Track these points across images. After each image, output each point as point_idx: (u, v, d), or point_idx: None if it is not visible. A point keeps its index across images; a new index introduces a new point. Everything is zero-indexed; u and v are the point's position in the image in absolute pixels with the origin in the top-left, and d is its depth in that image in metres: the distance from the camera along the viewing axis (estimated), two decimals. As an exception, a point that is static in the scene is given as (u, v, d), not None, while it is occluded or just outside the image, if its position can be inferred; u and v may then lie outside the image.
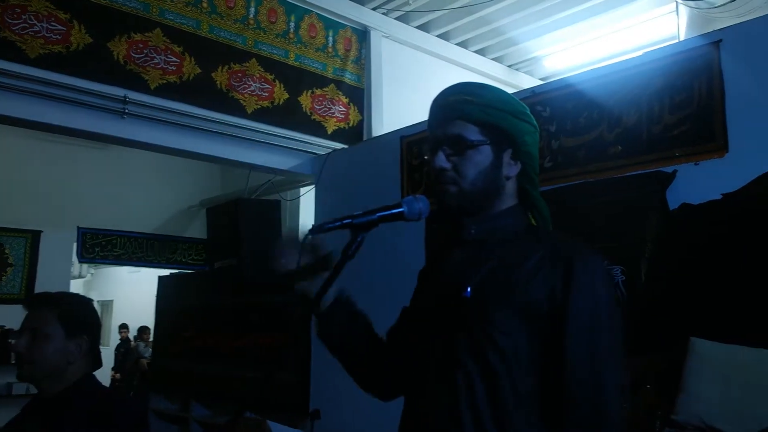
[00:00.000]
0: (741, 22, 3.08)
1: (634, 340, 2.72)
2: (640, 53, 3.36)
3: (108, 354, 9.51)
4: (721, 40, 2.91)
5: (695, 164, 2.92)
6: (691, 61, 3.00)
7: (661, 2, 5.39)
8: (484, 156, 1.28)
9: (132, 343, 9.94)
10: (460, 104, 1.29)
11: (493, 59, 6.79)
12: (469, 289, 1.24)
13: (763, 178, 2.66)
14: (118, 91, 4.21)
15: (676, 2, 4.46)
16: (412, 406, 1.32)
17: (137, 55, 4.27)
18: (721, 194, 2.76)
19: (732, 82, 2.85)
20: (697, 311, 2.71)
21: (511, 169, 1.31)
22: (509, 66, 6.95)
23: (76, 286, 12.60)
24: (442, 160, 1.29)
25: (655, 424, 2.57)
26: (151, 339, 9.01)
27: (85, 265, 11.38)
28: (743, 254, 2.63)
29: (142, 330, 9.48)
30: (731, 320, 2.60)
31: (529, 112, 1.35)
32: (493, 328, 1.19)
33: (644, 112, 3.14)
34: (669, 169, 2.98)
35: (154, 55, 4.35)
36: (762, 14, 3.14)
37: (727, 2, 3.78)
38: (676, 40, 4.43)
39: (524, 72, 7.04)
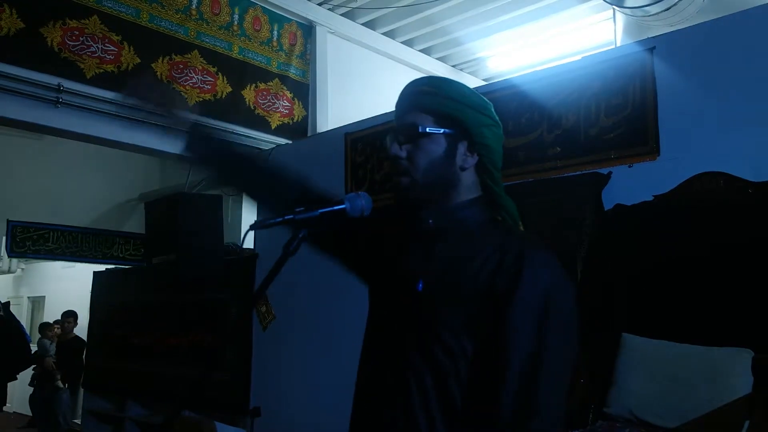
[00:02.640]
0: (673, 31, 3.21)
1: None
2: (579, 57, 3.45)
3: (39, 352, 9.14)
4: (654, 47, 3.02)
5: (629, 166, 3.03)
6: (626, 66, 3.10)
7: (599, 9, 5.55)
8: (436, 145, 1.28)
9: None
10: (417, 95, 1.30)
11: (437, 59, 6.86)
12: (420, 284, 1.24)
13: (691, 181, 2.79)
14: (52, 80, 4.05)
15: (613, 10, 4.60)
16: (366, 403, 1.31)
17: (72, 43, 4.12)
18: (653, 196, 2.87)
19: (664, 88, 2.97)
20: (628, 308, 2.81)
21: (466, 160, 1.30)
22: (453, 66, 7.04)
23: (5, 282, 12.09)
24: (396, 148, 1.29)
25: (588, 417, 2.65)
26: (55, 333, 8.58)
27: (15, 260, 10.90)
28: (672, 253, 2.74)
29: (45, 326, 8.93)
30: (660, 317, 2.71)
31: (490, 107, 1.34)
32: (440, 324, 1.19)
33: (582, 114, 3.23)
34: (604, 171, 3.08)
35: (91, 43, 4.20)
36: (693, 23, 3.27)
37: (661, 11, 3.92)
38: (613, 46, 4.58)
39: (468, 72, 7.14)
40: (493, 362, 1.14)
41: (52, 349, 8.36)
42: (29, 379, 8.37)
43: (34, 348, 8.54)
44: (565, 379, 1.16)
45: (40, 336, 8.88)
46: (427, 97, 1.29)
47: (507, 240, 1.23)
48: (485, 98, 1.35)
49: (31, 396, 8.51)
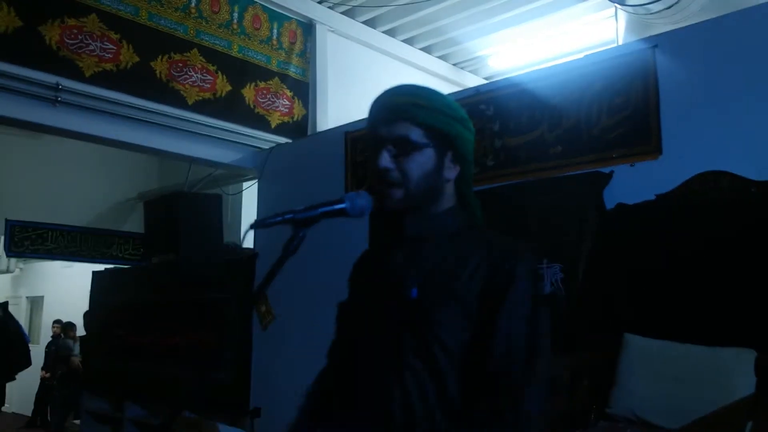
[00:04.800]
0: (676, 29, 3.19)
1: (572, 336, 2.79)
2: (581, 56, 3.44)
3: (38, 352, 9.13)
4: (657, 46, 3.01)
5: (631, 165, 3.01)
6: (628, 64, 3.09)
7: (602, 7, 5.54)
8: (427, 158, 1.30)
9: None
10: (407, 106, 1.30)
11: (438, 57, 6.84)
12: (415, 290, 1.25)
13: (693, 180, 2.77)
14: (51, 78, 4.04)
15: (616, 7, 4.58)
16: (355, 406, 1.31)
17: (71, 41, 4.11)
18: (655, 195, 2.85)
19: (666, 87, 2.95)
20: (630, 308, 2.79)
21: (450, 172, 1.34)
22: (454, 64, 7.03)
23: (3, 281, 12.08)
24: (386, 160, 1.29)
25: (590, 417, 2.64)
26: (78, 335, 8.66)
27: (13, 260, 10.89)
28: (674, 253, 2.72)
29: (69, 326, 9.06)
30: (662, 316, 2.69)
31: (468, 118, 1.38)
32: (438, 328, 1.21)
33: (584, 113, 3.21)
34: (606, 170, 3.06)
35: (90, 41, 4.18)
36: (695, 21, 3.25)
37: (663, 9, 3.90)
38: (615, 44, 4.56)
39: (469, 71, 7.13)
40: (491, 347, 1.19)
41: (76, 348, 8.43)
42: (56, 379, 8.46)
43: (34, 348, 8.56)
44: (548, 345, 1.24)
45: (62, 336, 8.95)
46: (417, 109, 1.29)
47: (495, 246, 1.28)
48: (462, 109, 1.39)
49: (53, 396, 8.57)
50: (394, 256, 1.35)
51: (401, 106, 1.30)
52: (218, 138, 4.95)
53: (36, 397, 9.83)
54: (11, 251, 6.59)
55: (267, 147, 5.19)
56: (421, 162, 1.29)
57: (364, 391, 1.30)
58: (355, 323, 1.39)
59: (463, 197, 1.38)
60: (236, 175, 6.00)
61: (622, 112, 3.08)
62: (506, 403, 1.15)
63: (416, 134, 1.29)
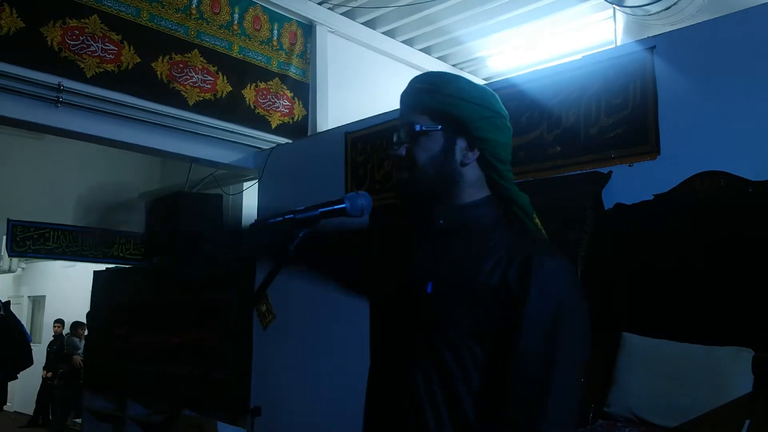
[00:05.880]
0: (673, 30, 3.21)
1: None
2: (579, 56, 3.45)
3: (39, 352, 9.14)
4: (654, 47, 3.02)
5: (629, 165, 3.03)
6: (626, 65, 3.10)
7: (600, 8, 5.55)
8: (434, 142, 1.27)
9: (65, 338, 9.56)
10: (414, 93, 1.31)
11: (437, 58, 6.86)
12: (429, 285, 1.22)
13: (691, 180, 2.78)
14: (52, 79, 4.05)
15: (614, 9, 4.60)
16: (377, 403, 1.30)
17: (73, 42, 4.12)
18: (653, 195, 2.87)
19: (664, 87, 2.97)
20: (629, 307, 2.81)
21: (466, 155, 1.28)
22: (454, 65, 7.03)
23: (5, 281, 12.09)
24: (396, 148, 1.30)
25: (588, 416, 2.65)
26: (85, 334, 8.71)
27: (15, 259, 10.90)
28: (672, 252, 2.74)
29: (77, 325, 9.12)
30: (660, 316, 2.71)
31: (491, 98, 1.32)
32: (449, 326, 1.18)
33: (582, 114, 3.22)
34: (605, 170, 3.08)
35: (91, 42, 4.20)
36: (693, 23, 3.27)
37: (661, 10, 3.92)
38: (613, 45, 4.57)
39: (468, 72, 7.14)
40: (502, 367, 1.13)
41: (82, 346, 8.45)
42: (57, 378, 8.49)
43: (35, 347, 8.58)
44: (576, 386, 1.15)
45: (70, 334, 8.97)
46: (424, 95, 1.29)
47: (517, 242, 1.21)
48: (489, 90, 1.32)
49: (53, 394, 8.59)
50: (419, 250, 1.31)
51: (410, 95, 1.31)
52: (219, 138, 4.97)
53: (38, 396, 9.85)
54: (13, 251, 6.61)
55: (267, 147, 5.21)
56: (427, 146, 1.27)
57: (382, 385, 1.29)
58: (379, 320, 1.37)
59: (495, 185, 1.31)
60: (237, 175, 6.01)
61: (621, 112, 3.09)
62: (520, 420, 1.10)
63: (420, 119, 1.28)
